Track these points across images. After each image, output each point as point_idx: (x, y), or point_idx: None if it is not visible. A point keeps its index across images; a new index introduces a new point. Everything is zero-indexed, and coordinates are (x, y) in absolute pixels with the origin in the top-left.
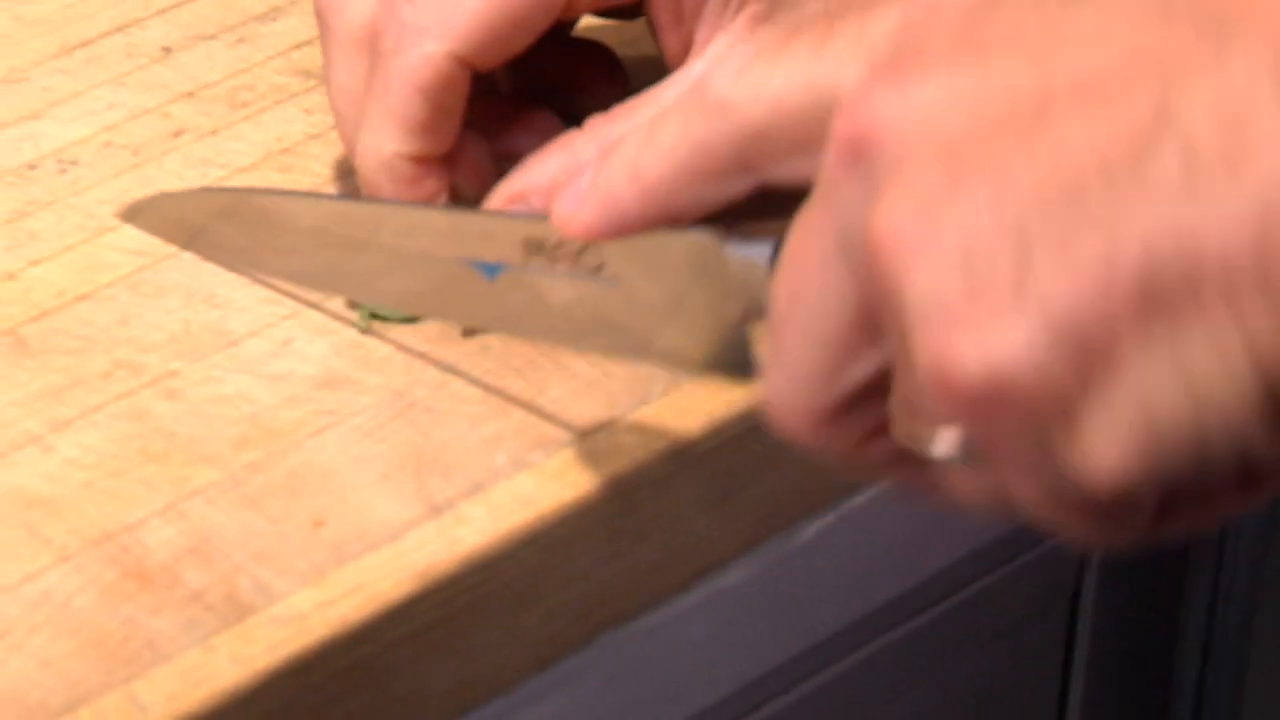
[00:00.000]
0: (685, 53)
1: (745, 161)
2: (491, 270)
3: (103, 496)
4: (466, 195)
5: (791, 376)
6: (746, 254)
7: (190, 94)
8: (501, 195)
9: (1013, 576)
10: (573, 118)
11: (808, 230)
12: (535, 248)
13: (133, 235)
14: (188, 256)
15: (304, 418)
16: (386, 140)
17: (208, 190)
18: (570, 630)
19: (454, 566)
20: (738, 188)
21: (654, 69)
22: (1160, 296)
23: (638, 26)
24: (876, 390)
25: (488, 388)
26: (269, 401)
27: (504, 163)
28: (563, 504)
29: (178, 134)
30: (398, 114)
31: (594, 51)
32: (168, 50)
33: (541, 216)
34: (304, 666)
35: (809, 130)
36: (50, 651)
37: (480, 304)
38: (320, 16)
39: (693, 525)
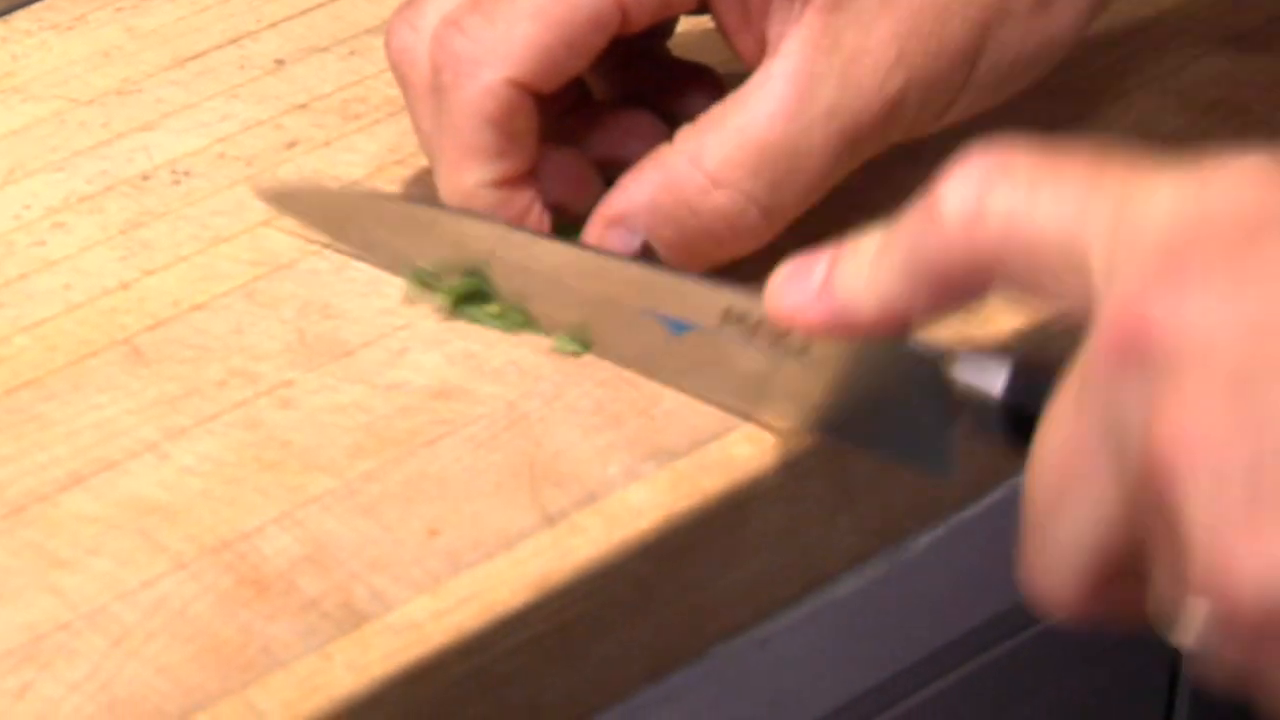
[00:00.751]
0: (760, 52)
1: (984, 284)
2: (679, 327)
3: (219, 504)
4: (570, 209)
5: (1056, 568)
6: (975, 381)
7: (303, 106)
8: (602, 218)
9: None
10: (671, 121)
11: (1071, 421)
12: (736, 318)
13: (247, 245)
14: (303, 266)
15: (418, 427)
16: (465, 173)
17: (367, 194)
18: (683, 642)
19: (569, 576)
20: (974, 300)
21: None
22: None
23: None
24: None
25: (600, 399)
26: (384, 411)
27: (609, 170)
28: (676, 515)
29: (291, 145)
30: (469, 146)
31: (687, 64)
32: (280, 62)
33: (748, 292)
34: (419, 675)
35: (1052, 265)
36: (167, 658)
37: (656, 353)
38: (394, 67)
39: (805, 537)
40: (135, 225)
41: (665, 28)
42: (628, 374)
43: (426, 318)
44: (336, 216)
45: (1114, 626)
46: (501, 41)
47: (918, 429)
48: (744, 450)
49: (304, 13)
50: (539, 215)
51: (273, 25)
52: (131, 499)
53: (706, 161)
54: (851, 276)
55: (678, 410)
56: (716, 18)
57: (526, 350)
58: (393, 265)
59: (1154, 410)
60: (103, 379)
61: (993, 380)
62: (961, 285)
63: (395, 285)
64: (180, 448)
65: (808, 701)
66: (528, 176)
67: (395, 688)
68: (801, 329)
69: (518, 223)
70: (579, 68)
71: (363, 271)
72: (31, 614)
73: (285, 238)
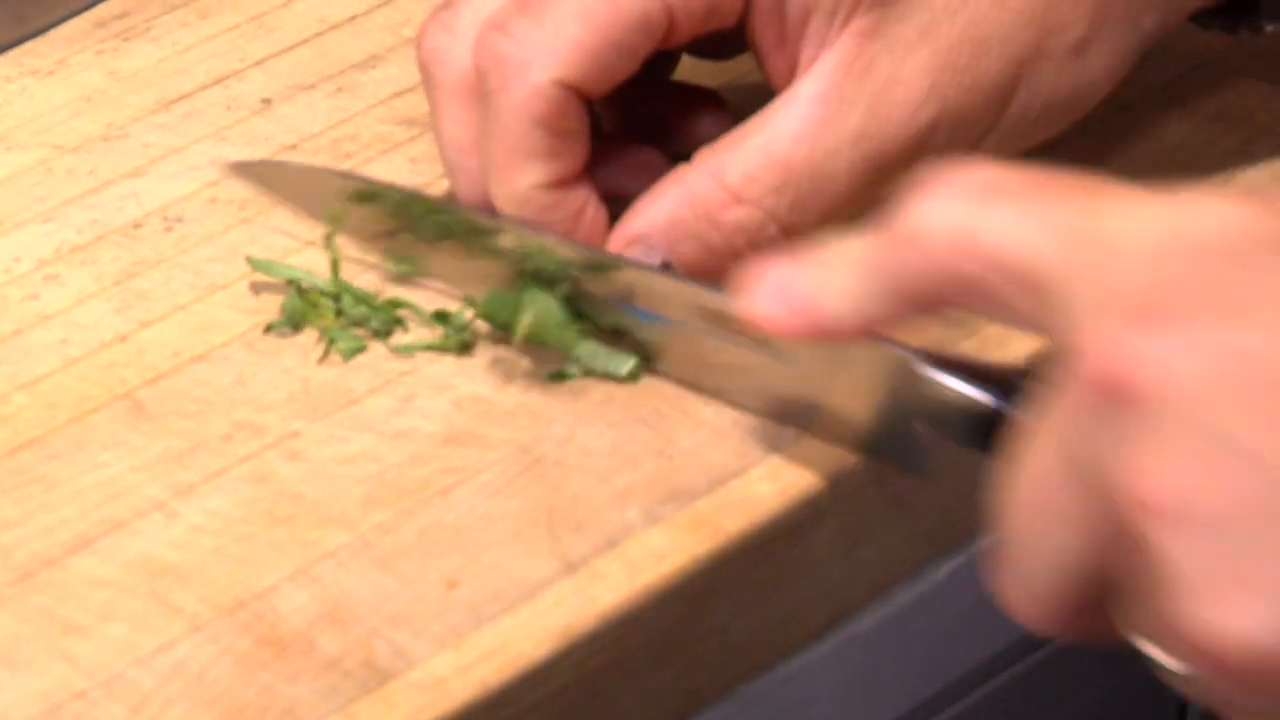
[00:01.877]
0: (790, 75)
1: (964, 302)
2: (652, 319)
3: (232, 562)
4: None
5: (1030, 589)
6: (946, 383)
7: (293, 146)
8: (622, 237)
9: None
10: (678, 157)
11: (1045, 452)
12: (711, 316)
13: (244, 292)
14: None
15: (431, 475)
16: (517, 177)
17: (342, 174)
18: (708, 684)
19: (592, 625)
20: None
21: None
22: None
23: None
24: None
25: (615, 440)
26: (394, 460)
27: (612, 204)
28: (698, 557)
29: None
30: (519, 149)
31: (696, 92)
32: (267, 102)
33: (723, 293)
34: None
35: (1030, 291)
36: None
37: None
38: (423, 68)
39: (826, 572)
40: (129, 275)
41: (672, 58)
42: (642, 413)
43: (432, 362)
44: (301, 192)
45: (1096, 644)
46: (548, 42)
47: (893, 428)
48: (763, 489)
49: (289, 50)
50: (594, 214)
51: (258, 64)
52: (142, 560)
53: (728, 177)
54: (828, 286)
55: (694, 450)
56: (751, 37)
57: (537, 393)
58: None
59: (1134, 456)
60: (106, 436)
61: (962, 384)
62: (940, 301)
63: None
64: (189, 505)
65: None
66: (581, 176)
67: None
68: (779, 336)
69: (573, 224)
70: (627, 71)
71: None
72: (46, 682)
73: (283, 283)
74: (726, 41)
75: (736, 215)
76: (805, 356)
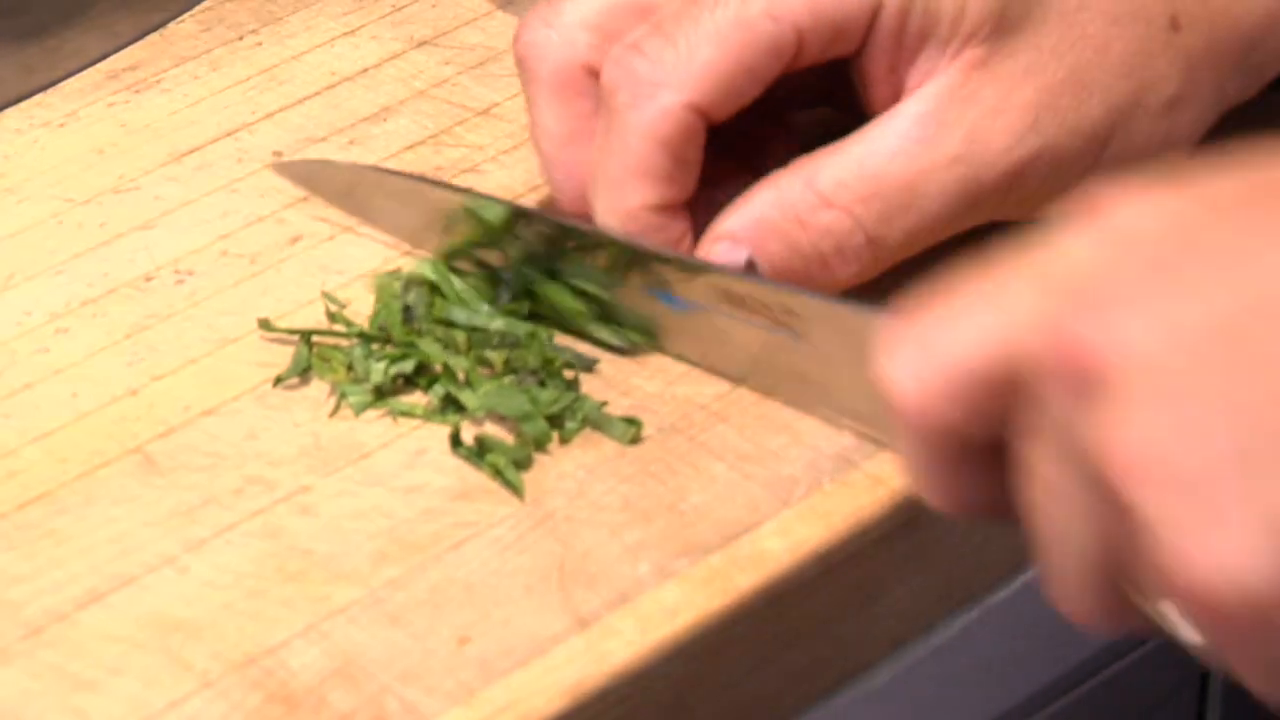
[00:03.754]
0: (892, 102)
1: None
2: (676, 303)
3: (243, 618)
4: None
5: (1068, 586)
6: None
7: (304, 199)
8: (711, 235)
9: (1143, 661)
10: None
11: (1040, 461)
12: (731, 298)
13: (256, 345)
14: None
15: (442, 530)
16: (631, 194)
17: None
18: None
19: (604, 681)
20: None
21: None
22: None
23: None
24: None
25: (627, 495)
26: (405, 515)
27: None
28: (710, 613)
29: (295, 240)
30: (639, 168)
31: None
32: (278, 154)
33: (744, 273)
34: None
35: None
36: None
37: (667, 328)
38: (520, 62)
39: (839, 628)
40: (140, 328)
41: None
42: (652, 468)
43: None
44: (348, 190)
45: (1146, 633)
46: (683, 65)
47: None
48: (776, 544)
49: (300, 102)
50: (690, 245)
51: (269, 116)
52: (153, 616)
53: (820, 182)
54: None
55: (706, 505)
56: (861, 62)
57: (548, 448)
58: (406, 237)
59: (1105, 429)
60: (116, 490)
61: None
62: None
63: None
64: (200, 560)
65: None
66: (686, 205)
67: None
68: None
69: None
70: (753, 95)
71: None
72: None
73: (293, 337)
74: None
75: (825, 219)
76: (827, 336)
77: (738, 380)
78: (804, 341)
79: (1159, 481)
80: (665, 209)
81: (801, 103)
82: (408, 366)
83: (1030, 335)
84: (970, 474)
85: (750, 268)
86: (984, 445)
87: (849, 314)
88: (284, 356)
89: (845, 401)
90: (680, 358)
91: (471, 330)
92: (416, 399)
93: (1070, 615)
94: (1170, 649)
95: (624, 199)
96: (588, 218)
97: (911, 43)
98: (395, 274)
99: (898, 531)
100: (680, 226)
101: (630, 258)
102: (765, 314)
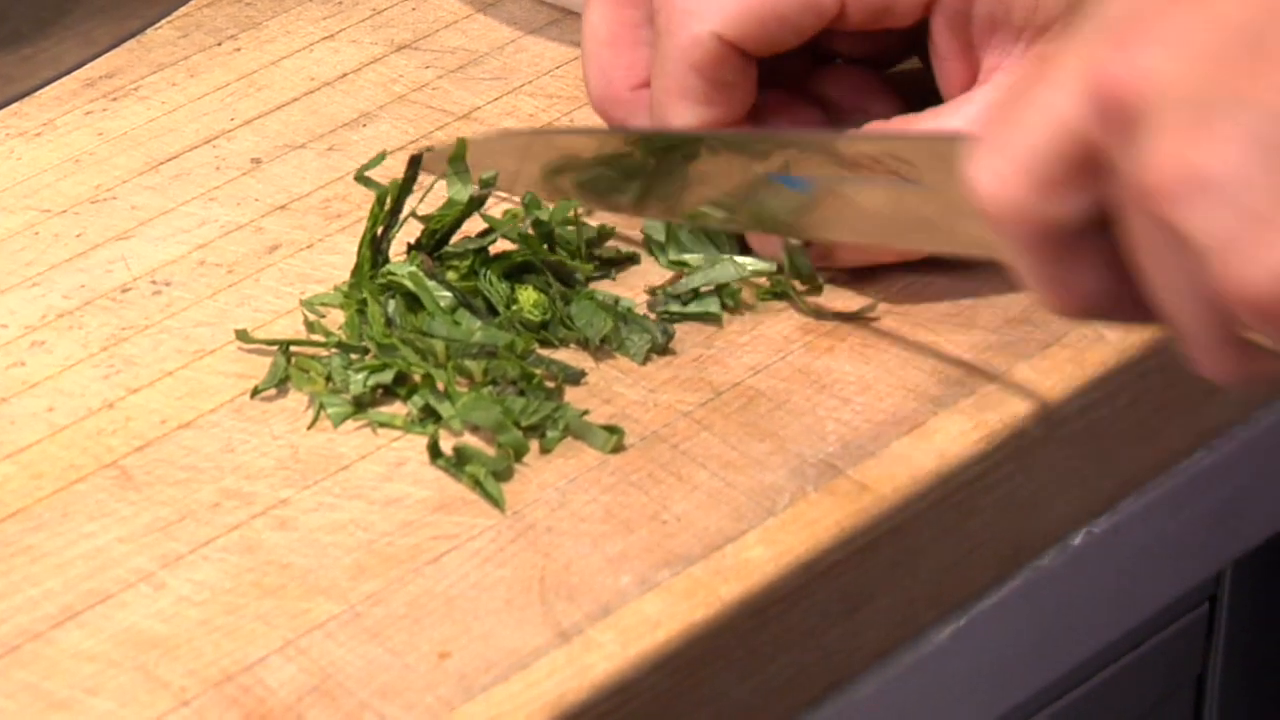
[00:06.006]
0: (967, 82)
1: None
2: (797, 184)
3: (219, 635)
4: None
5: (1199, 348)
6: None
7: (283, 206)
8: None
9: (1139, 663)
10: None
11: (1128, 219)
12: (845, 164)
13: (233, 357)
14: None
15: (421, 543)
16: (671, 113)
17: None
18: None
19: (586, 695)
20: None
21: None
22: None
23: None
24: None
25: (608, 505)
26: (384, 528)
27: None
28: (693, 625)
29: (273, 249)
30: (676, 89)
31: (872, 75)
32: (257, 161)
33: (842, 132)
34: None
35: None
36: None
37: (788, 211)
38: None
39: (824, 638)
40: (117, 340)
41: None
42: (634, 477)
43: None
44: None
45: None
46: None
47: None
48: (759, 553)
49: (279, 108)
50: None
51: (247, 123)
52: (128, 633)
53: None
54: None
55: (689, 514)
56: (931, 39)
57: (528, 458)
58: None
59: (1140, 159)
60: (92, 506)
61: None
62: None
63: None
64: (176, 576)
65: None
66: (735, 127)
67: None
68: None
69: None
70: (790, 42)
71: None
72: None
73: (271, 347)
74: (890, 50)
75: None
76: (937, 173)
77: (880, 241)
78: (922, 186)
79: (1196, 197)
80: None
81: (900, 55)
82: (387, 377)
83: (1080, 98)
84: (1081, 266)
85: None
86: (1087, 230)
87: (948, 144)
88: (261, 368)
89: (970, 233)
90: (819, 238)
91: (450, 341)
92: (396, 409)
93: (1210, 374)
94: (1166, 651)
95: (665, 119)
96: (609, 119)
97: (981, 24)
98: (365, 283)
99: (882, 539)
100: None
101: (743, 146)
102: (880, 168)
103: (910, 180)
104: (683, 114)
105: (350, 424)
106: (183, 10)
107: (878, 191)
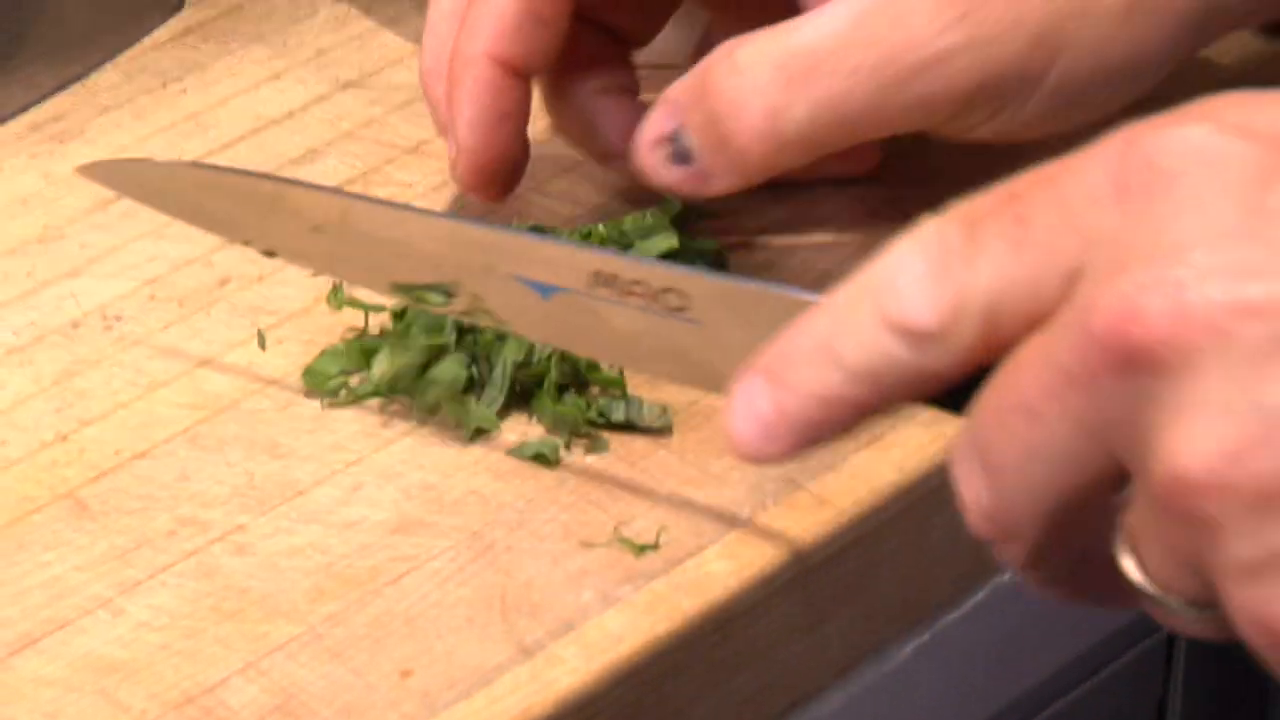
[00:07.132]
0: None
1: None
2: (546, 290)
3: (179, 658)
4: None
5: (1013, 502)
6: None
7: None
8: (658, 100)
9: (1099, 689)
10: None
11: (1046, 387)
12: (605, 280)
13: (187, 388)
14: (246, 406)
15: (380, 565)
16: (479, 40)
17: (195, 166)
18: None
19: (550, 710)
20: None
21: None
22: None
23: None
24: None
25: (567, 523)
26: (342, 550)
27: None
28: (656, 639)
29: (223, 283)
30: (491, 16)
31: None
32: None
33: (616, 253)
34: None
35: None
36: None
37: (531, 316)
38: None
39: (787, 652)
40: (69, 375)
41: None
42: (593, 495)
43: (380, 450)
44: (163, 189)
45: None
46: None
47: None
48: (721, 566)
49: (226, 146)
50: (521, 124)
51: (195, 160)
52: (88, 658)
53: (739, 55)
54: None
55: (649, 529)
56: None
57: (486, 479)
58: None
59: (1165, 426)
60: (48, 536)
61: None
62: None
63: (344, 419)
64: (135, 602)
65: None
66: (526, 83)
67: None
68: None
69: (498, 114)
70: None
71: (308, 407)
72: None
73: (225, 378)
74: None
75: (732, 84)
76: (716, 318)
77: (615, 363)
78: (688, 321)
79: (1247, 508)
80: (507, 68)
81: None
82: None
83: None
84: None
85: (678, 145)
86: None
87: (736, 289)
88: (216, 399)
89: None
90: (555, 345)
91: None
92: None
93: (994, 533)
94: (1129, 677)
95: (472, 45)
96: (431, 94)
97: None
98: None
99: (843, 552)
100: (514, 97)
101: (493, 242)
102: (641, 295)
103: (674, 312)
104: (488, 41)
105: (306, 449)
106: (127, 54)
107: (632, 316)
